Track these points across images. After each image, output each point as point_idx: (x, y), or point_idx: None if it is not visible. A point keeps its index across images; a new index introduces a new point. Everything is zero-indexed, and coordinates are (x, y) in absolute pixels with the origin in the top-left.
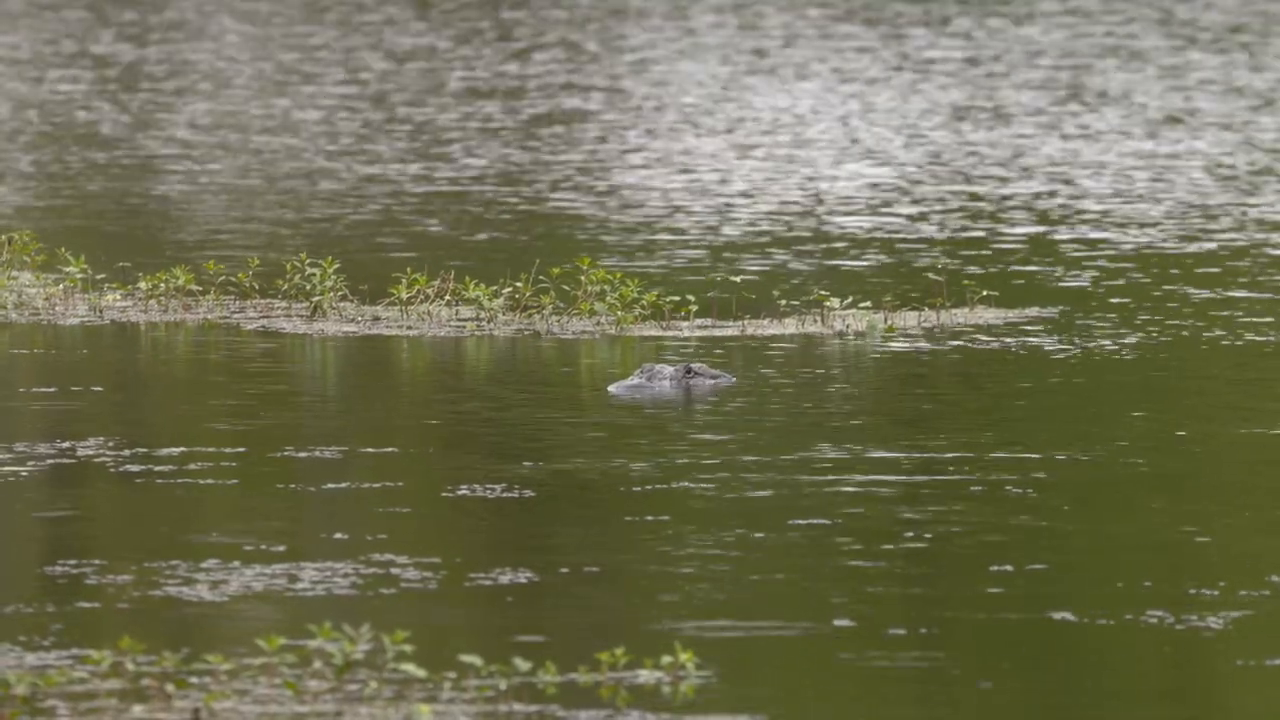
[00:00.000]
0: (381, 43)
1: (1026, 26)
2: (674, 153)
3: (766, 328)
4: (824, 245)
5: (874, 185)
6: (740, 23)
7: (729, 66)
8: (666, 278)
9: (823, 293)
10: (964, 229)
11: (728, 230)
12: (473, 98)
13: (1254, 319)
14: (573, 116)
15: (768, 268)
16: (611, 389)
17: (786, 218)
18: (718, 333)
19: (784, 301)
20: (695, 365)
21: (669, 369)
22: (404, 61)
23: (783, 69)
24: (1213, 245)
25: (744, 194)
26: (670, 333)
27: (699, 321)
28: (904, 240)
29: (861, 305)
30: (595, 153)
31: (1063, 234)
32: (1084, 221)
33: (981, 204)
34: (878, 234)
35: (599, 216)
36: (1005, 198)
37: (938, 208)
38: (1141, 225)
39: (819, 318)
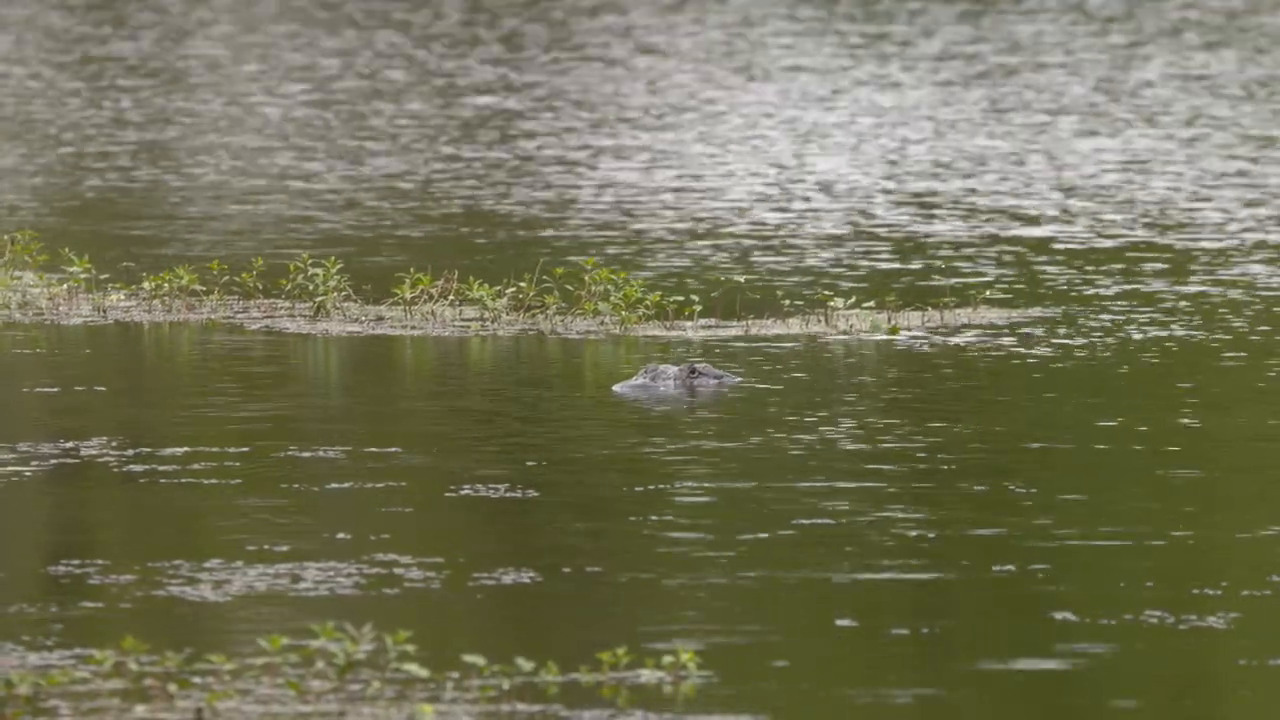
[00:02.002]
0: (372, 41)
1: (1024, 25)
2: (674, 153)
3: (770, 327)
4: (827, 245)
5: (875, 184)
6: (722, 20)
7: (718, 65)
8: (669, 277)
9: (826, 292)
10: (967, 228)
11: (730, 230)
12: (463, 95)
13: (1257, 316)
14: (567, 115)
15: (771, 267)
16: (615, 389)
17: (788, 217)
18: (721, 332)
19: (787, 301)
20: (699, 365)
21: (673, 369)
22: (395, 59)
23: (774, 67)
24: (1215, 243)
25: (745, 193)
26: (674, 333)
27: (703, 321)
28: (907, 240)
29: (865, 305)
30: (593, 152)
31: (1065, 233)
32: (1087, 220)
33: (984, 203)
34: (880, 234)
35: (599, 216)
36: (1007, 197)
37: (940, 207)
38: (1144, 224)
39: (822, 317)
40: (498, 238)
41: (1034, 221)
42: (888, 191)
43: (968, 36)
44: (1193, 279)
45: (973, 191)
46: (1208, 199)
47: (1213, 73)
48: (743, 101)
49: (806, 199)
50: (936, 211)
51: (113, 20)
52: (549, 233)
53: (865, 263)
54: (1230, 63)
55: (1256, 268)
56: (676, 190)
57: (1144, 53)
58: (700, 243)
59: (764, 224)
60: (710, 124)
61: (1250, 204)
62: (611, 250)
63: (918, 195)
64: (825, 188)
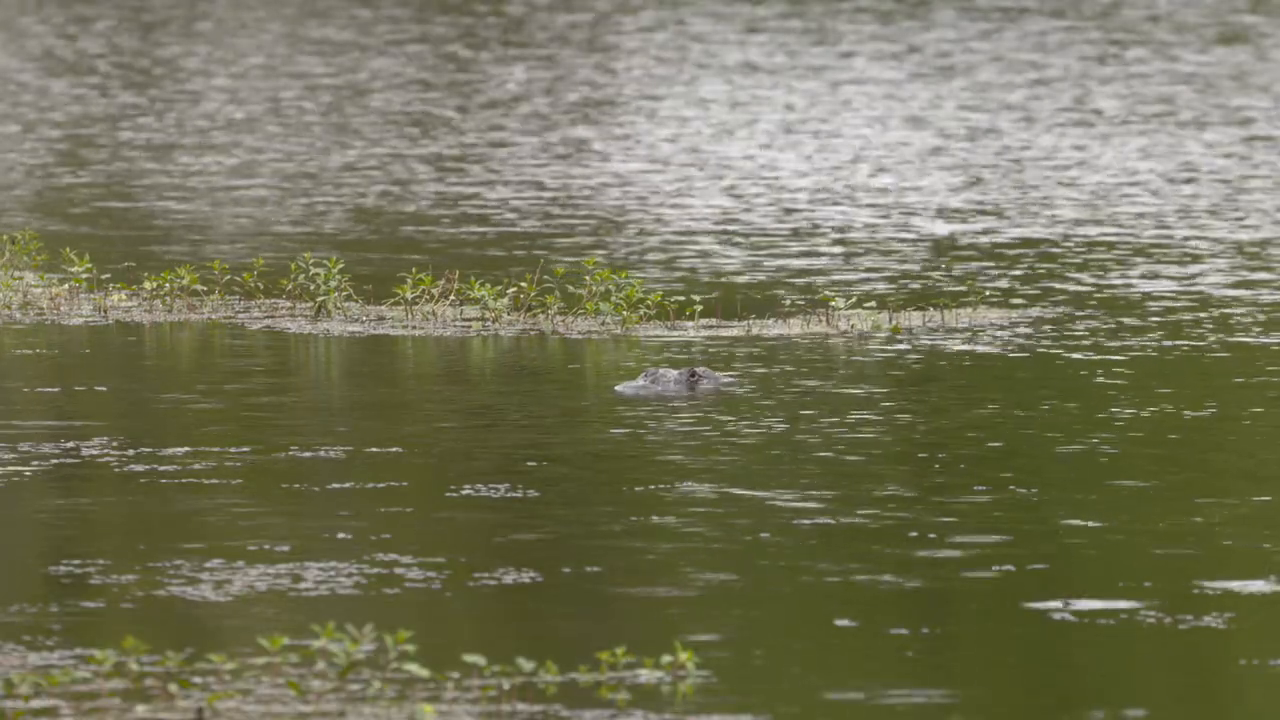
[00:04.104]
0: (374, 40)
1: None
2: (675, 153)
3: (771, 328)
4: (828, 245)
5: (876, 185)
6: (721, 17)
7: (715, 65)
8: (671, 277)
9: (828, 293)
10: (967, 229)
11: (732, 230)
12: (466, 97)
13: (1258, 316)
14: (568, 116)
15: (773, 268)
16: (618, 389)
17: (790, 218)
18: (723, 333)
19: (789, 302)
20: (699, 369)
21: (673, 373)
22: (393, 59)
23: (768, 67)
24: (1216, 243)
25: (748, 193)
26: (675, 333)
27: (704, 321)
28: (908, 240)
29: (866, 305)
30: (593, 152)
31: (1066, 234)
32: (1087, 220)
33: (984, 204)
34: (881, 234)
35: (600, 216)
36: (1007, 197)
37: (941, 207)
38: (1144, 224)
39: (824, 318)
40: (497, 237)
41: (1033, 222)
42: (886, 191)
43: (957, 36)
44: (1191, 276)
45: (971, 192)
46: (1204, 197)
47: (1193, 70)
48: (733, 100)
49: (804, 199)
50: (936, 211)
51: (101, 17)
52: (542, 232)
53: (865, 263)
54: (1208, 59)
55: (1252, 266)
56: (670, 188)
57: (1118, 51)
58: (696, 241)
59: (763, 223)
60: (708, 123)
61: (1243, 201)
62: (607, 249)
63: (916, 195)
64: (824, 188)
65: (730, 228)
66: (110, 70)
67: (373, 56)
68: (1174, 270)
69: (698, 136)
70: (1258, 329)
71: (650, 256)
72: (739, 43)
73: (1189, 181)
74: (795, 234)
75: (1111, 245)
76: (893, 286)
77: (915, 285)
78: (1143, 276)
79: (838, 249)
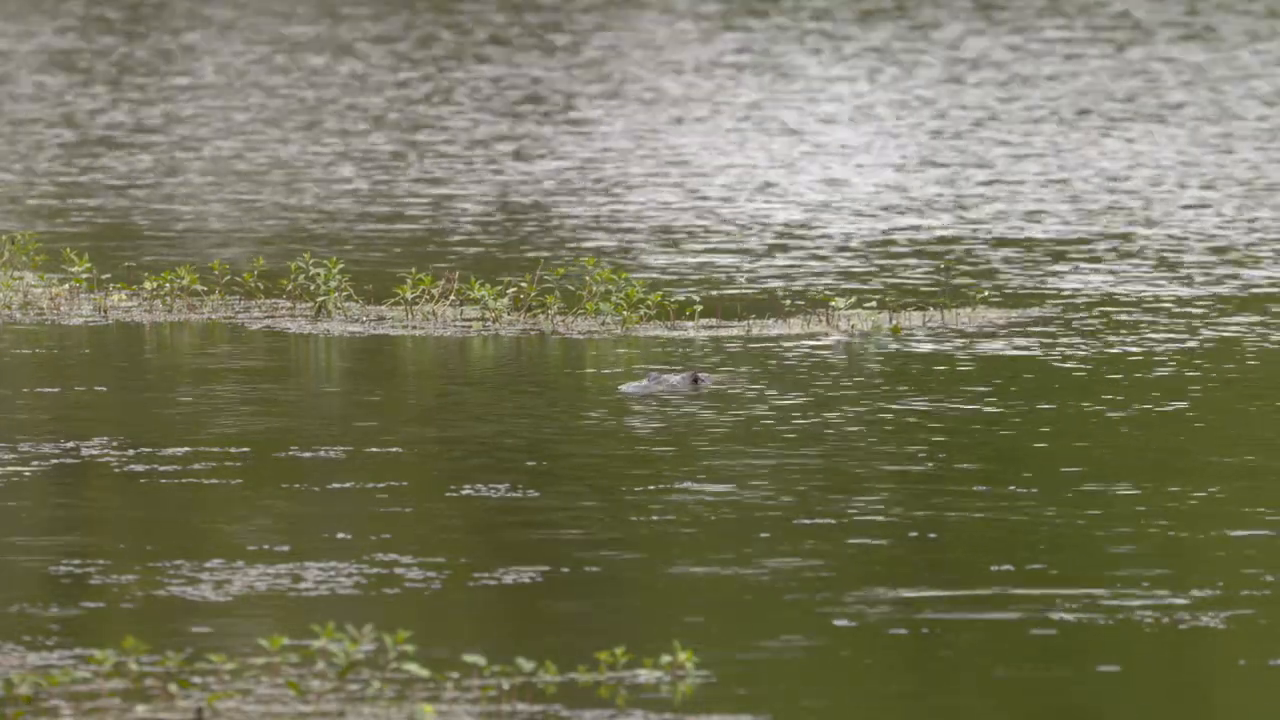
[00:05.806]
0: (366, 38)
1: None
2: (674, 153)
3: (771, 328)
4: (827, 245)
5: (876, 185)
6: (724, 18)
7: (713, 64)
8: (671, 278)
9: (827, 292)
10: (967, 229)
11: (732, 230)
12: (461, 95)
13: (1257, 316)
14: (565, 115)
15: (772, 268)
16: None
17: (790, 218)
18: (723, 333)
19: (789, 302)
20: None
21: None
22: (389, 59)
23: (763, 69)
24: (1212, 242)
25: (748, 194)
26: (675, 333)
27: (704, 321)
28: (908, 240)
29: (866, 305)
30: (592, 151)
31: (1064, 234)
32: (1086, 221)
33: (984, 204)
34: (881, 234)
35: (600, 216)
36: (1007, 198)
37: (941, 208)
38: (1141, 224)
39: (824, 318)
40: (503, 238)
41: (1032, 222)
42: (884, 191)
43: (961, 37)
44: (1191, 277)
45: (971, 191)
46: (1203, 196)
47: (1195, 64)
48: (723, 100)
49: (804, 199)
50: (935, 211)
51: (99, 16)
52: (539, 230)
53: (866, 263)
54: (1197, 55)
55: (1250, 266)
56: (669, 187)
57: (1104, 50)
58: (697, 241)
59: (764, 223)
60: (704, 123)
61: (1242, 202)
62: (606, 247)
63: (915, 194)
64: (823, 188)
65: (726, 228)
66: (112, 67)
67: (347, 55)
68: (1178, 270)
69: (683, 136)
70: (1258, 326)
71: (646, 256)
72: (708, 40)
73: (1185, 180)
74: (796, 234)
75: (1111, 243)
76: (892, 286)
77: (915, 285)
78: (1140, 276)
79: (837, 249)
